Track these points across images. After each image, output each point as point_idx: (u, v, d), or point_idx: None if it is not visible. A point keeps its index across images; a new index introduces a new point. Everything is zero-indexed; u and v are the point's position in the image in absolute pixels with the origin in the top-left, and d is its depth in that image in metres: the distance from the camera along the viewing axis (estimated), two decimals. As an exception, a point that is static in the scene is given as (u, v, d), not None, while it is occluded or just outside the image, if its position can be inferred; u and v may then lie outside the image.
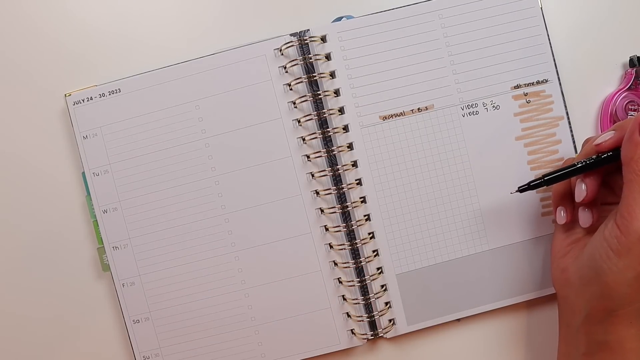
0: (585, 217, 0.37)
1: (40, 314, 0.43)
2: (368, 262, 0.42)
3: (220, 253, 0.42)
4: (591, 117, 0.44)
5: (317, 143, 0.42)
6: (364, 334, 0.42)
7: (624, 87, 0.43)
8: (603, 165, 0.35)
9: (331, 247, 0.42)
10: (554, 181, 0.37)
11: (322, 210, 0.42)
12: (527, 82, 0.42)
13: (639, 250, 0.31)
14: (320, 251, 0.42)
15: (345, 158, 0.42)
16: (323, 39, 0.42)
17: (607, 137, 0.35)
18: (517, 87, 0.43)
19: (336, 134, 0.42)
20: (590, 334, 0.35)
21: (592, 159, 0.35)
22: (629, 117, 0.43)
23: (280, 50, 0.42)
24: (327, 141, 0.42)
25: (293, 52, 0.42)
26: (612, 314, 0.33)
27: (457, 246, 0.42)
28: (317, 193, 0.42)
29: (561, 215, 0.38)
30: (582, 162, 0.35)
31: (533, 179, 0.38)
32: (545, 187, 0.37)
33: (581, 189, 0.36)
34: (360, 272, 0.42)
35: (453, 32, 0.42)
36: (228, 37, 0.43)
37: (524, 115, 0.42)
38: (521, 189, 0.38)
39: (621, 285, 0.32)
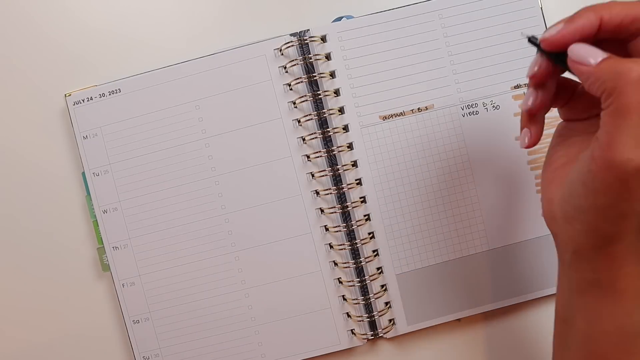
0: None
1: (40, 314, 0.43)
2: (368, 262, 0.42)
3: (220, 253, 0.42)
4: (591, 117, 0.44)
5: (317, 143, 0.42)
6: (364, 334, 0.42)
7: (624, 87, 0.43)
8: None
9: (331, 247, 0.42)
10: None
11: (322, 210, 0.42)
12: (527, 82, 0.42)
13: (620, 188, 0.26)
14: (320, 251, 0.42)
15: (345, 158, 0.42)
16: (323, 39, 0.42)
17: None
18: (517, 87, 0.43)
19: (336, 134, 0.42)
20: (579, 271, 0.31)
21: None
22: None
23: (280, 50, 0.42)
24: (327, 141, 0.42)
25: (293, 52, 0.42)
26: (599, 252, 0.29)
27: (457, 246, 0.42)
28: (317, 193, 0.42)
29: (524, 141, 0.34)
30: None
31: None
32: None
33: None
34: (360, 272, 0.42)
35: (453, 32, 0.42)
36: (228, 37, 0.43)
37: (524, 115, 0.42)
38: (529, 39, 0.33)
39: (605, 223, 0.28)
